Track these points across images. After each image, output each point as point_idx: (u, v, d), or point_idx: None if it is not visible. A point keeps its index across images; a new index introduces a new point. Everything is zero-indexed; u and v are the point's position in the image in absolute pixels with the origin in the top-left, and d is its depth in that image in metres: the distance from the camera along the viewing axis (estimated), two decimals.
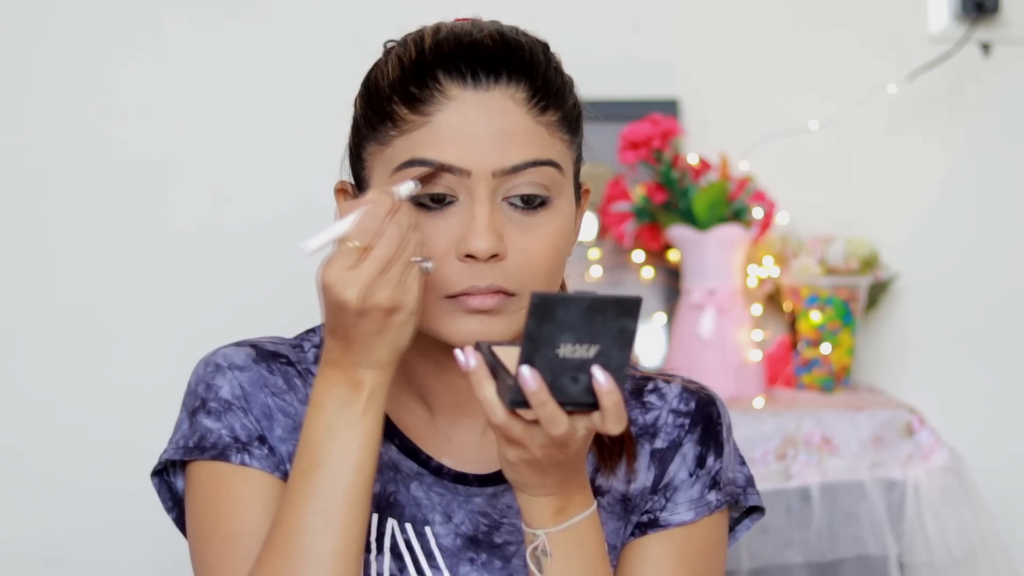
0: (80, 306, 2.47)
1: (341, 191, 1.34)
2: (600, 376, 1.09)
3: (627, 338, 1.09)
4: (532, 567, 1.21)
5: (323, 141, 1.63)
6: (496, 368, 1.13)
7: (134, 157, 2.48)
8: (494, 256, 1.23)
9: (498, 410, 1.13)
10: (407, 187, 1.21)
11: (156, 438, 1.50)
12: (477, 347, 1.15)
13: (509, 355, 1.12)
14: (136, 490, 1.91)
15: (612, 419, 1.11)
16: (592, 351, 1.09)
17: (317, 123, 1.88)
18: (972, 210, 2.58)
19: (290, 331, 1.41)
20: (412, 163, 1.24)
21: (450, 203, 1.24)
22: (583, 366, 1.09)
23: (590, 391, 1.10)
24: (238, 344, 1.36)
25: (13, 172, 2.48)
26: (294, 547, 1.20)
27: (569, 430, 1.12)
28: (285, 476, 1.30)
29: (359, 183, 1.31)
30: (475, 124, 1.23)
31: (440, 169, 1.22)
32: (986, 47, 2.51)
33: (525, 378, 1.09)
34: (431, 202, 1.24)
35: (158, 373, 2.33)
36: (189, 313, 2.47)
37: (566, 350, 1.08)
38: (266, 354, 1.35)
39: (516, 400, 1.10)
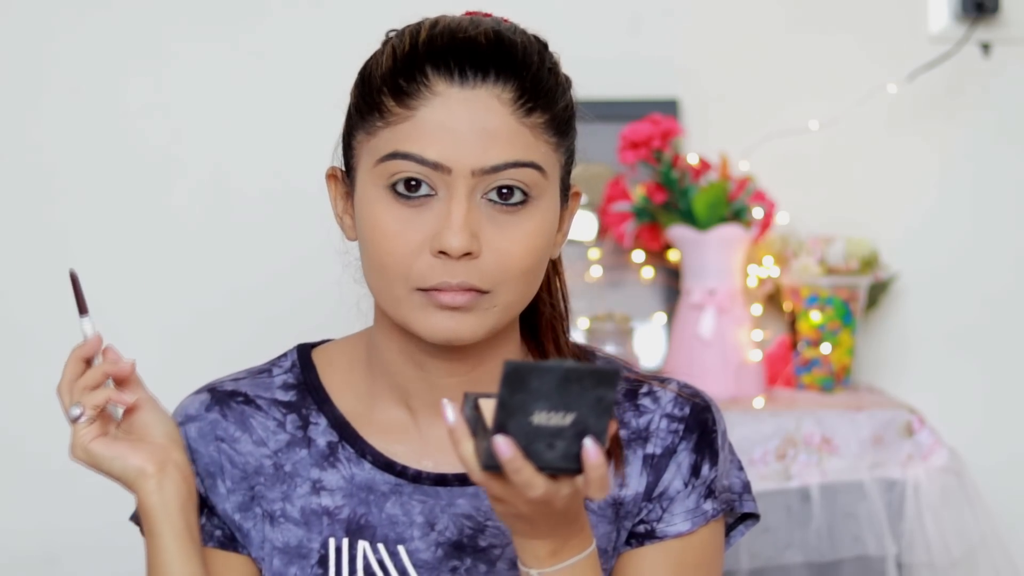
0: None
1: (331, 176, 1.35)
2: (590, 448, 1.09)
3: (605, 407, 1.08)
4: None
5: (325, 132, 1.63)
6: (476, 426, 1.12)
7: (138, 155, 2.48)
8: (467, 254, 1.23)
9: (476, 470, 1.12)
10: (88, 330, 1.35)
11: None
12: (465, 398, 1.14)
13: (493, 410, 1.12)
14: None
15: (595, 488, 1.11)
16: (568, 419, 1.08)
17: (319, 115, 1.87)
18: (972, 210, 2.58)
19: (290, 322, 1.41)
20: (394, 156, 1.24)
21: (429, 197, 1.24)
22: (559, 433, 1.08)
23: (567, 456, 1.09)
24: (197, 391, 1.38)
25: (22, 171, 2.48)
26: None
27: (548, 491, 1.11)
28: (225, 537, 1.34)
29: (348, 170, 1.32)
30: (459, 121, 1.23)
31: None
32: (986, 47, 2.51)
33: (499, 445, 1.08)
34: (405, 190, 1.24)
35: (162, 371, 2.32)
36: (192, 309, 2.47)
37: (540, 418, 1.08)
38: (222, 396, 1.36)
39: (489, 465, 1.10)
